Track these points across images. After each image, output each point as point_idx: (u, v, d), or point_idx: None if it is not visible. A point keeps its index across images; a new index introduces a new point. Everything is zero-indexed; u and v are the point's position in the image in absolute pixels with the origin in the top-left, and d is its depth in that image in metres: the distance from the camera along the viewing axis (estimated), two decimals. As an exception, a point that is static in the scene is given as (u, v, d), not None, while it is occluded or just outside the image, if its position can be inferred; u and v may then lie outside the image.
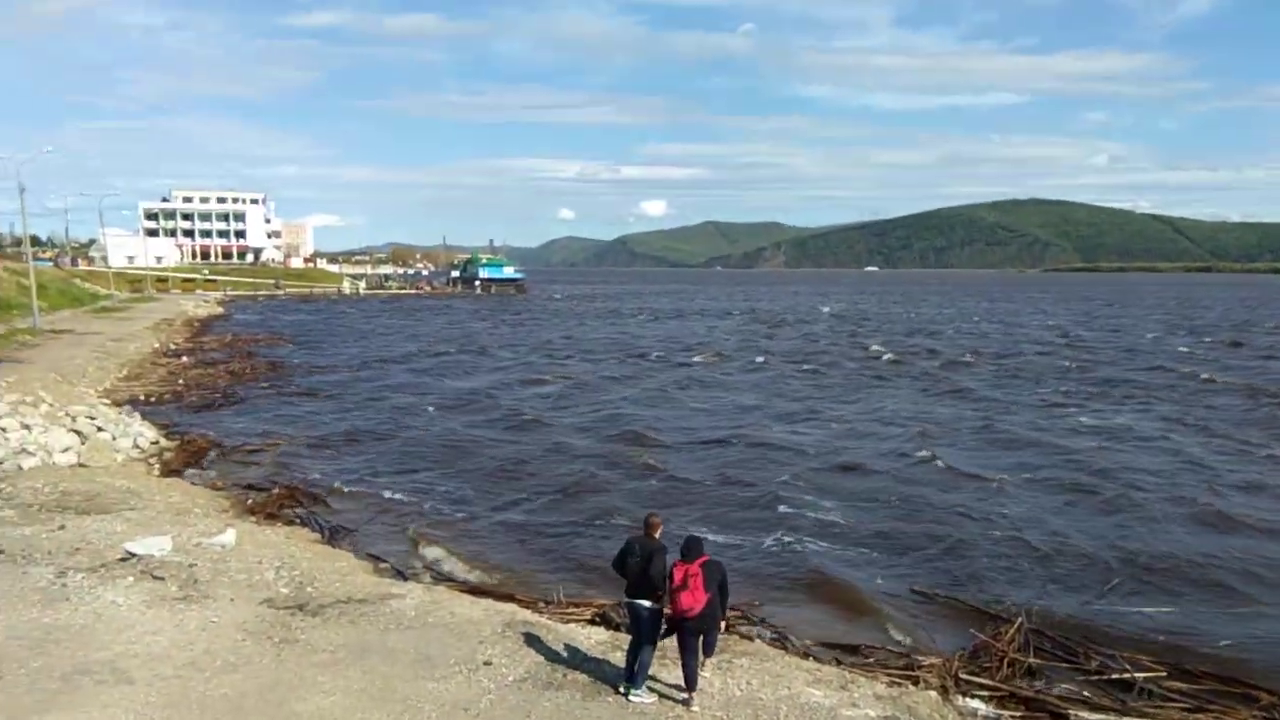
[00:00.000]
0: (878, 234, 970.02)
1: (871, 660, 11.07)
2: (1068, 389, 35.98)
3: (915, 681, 10.11)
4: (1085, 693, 10.22)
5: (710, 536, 15.27)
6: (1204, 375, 39.86)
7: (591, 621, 11.70)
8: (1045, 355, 49.87)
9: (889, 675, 10.31)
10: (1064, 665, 11.00)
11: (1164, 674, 10.69)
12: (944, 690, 9.93)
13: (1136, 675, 10.57)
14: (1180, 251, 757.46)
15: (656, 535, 8.78)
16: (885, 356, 48.44)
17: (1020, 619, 11.97)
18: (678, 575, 8.34)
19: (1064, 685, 10.41)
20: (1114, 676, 10.63)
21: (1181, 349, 53.66)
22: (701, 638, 8.69)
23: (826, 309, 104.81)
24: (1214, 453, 23.82)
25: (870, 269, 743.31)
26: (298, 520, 16.63)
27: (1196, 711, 9.95)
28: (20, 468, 18.01)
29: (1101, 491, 19.67)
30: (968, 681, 10.23)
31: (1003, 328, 73.71)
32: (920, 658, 11.04)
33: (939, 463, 22.39)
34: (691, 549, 8.53)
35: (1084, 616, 12.76)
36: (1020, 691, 10.11)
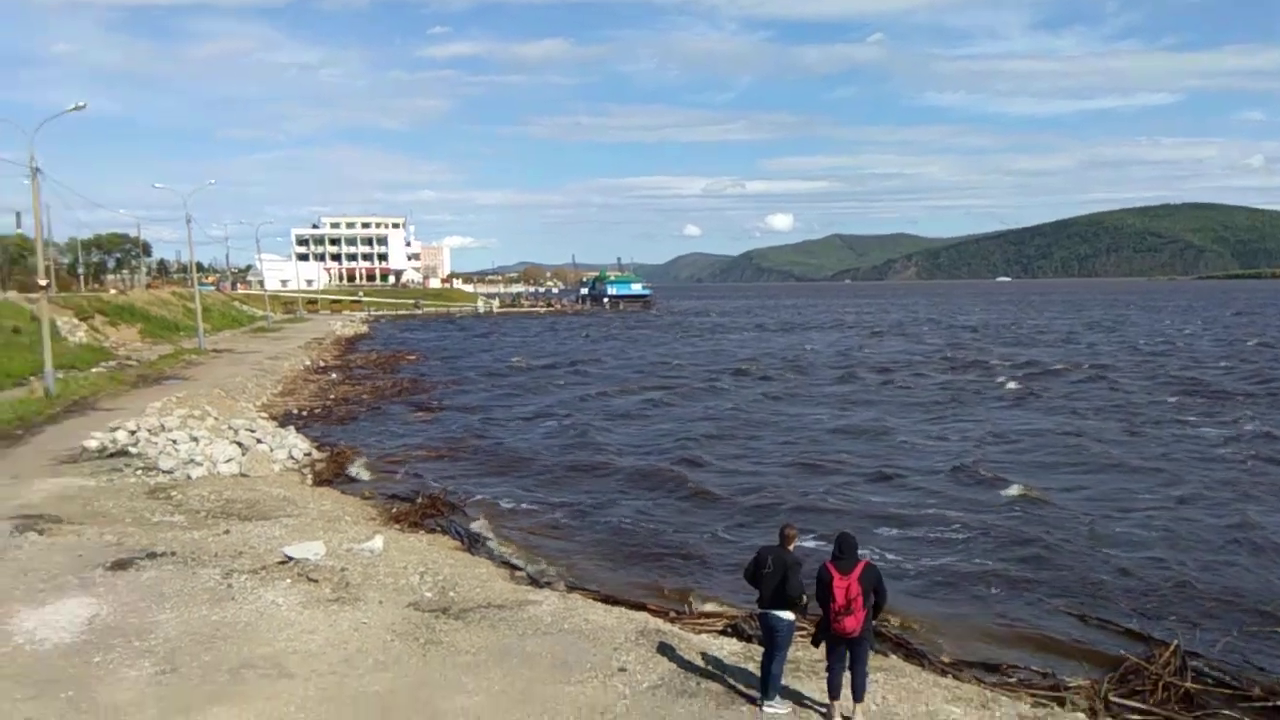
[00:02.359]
0: (1014, 243, 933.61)
1: (1014, 680, 10.70)
2: (1194, 401, 33.84)
3: (1061, 703, 9.74)
4: (1247, 720, 9.63)
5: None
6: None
7: (723, 632, 11.73)
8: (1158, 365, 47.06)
9: (1033, 695, 9.96)
10: (1225, 691, 10.36)
11: (1338, 704, 9.96)
12: (1093, 712, 9.54)
13: (1307, 704, 9.88)
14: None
15: (791, 547, 8.72)
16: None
17: (1176, 641, 11.35)
18: (839, 595, 8.04)
19: (1225, 712, 9.82)
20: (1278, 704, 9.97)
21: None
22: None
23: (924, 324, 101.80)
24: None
25: (1002, 279, 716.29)
26: (439, 529, 17.29)
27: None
28: (189, 477, 19.35)
29: (1249, 520, 18.38)
30: (1118, 705, 9.80)
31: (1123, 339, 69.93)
32: (1066, 679, 10.62)
33: (1072, 482, 21.55)
34: (846, 551, 8.28)
35: (1241, 646, 11.97)
36: (1176, 716, 9.61)
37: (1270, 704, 10.00)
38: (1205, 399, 34.95)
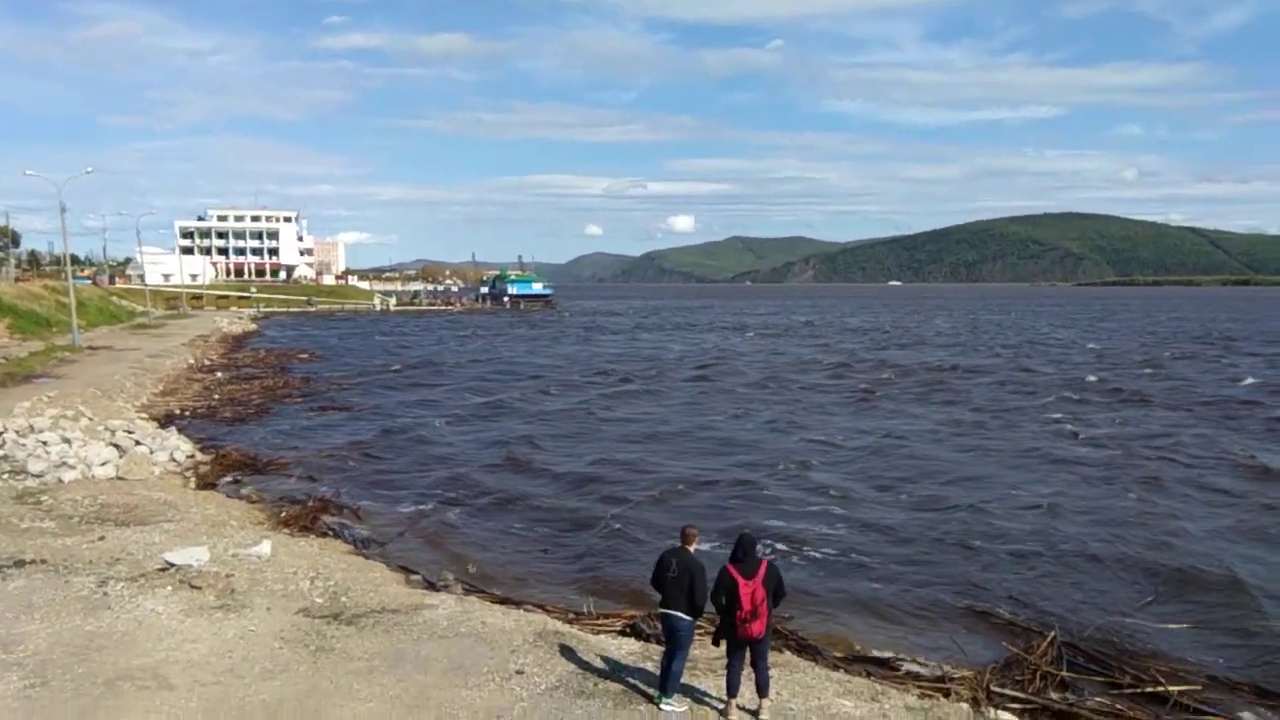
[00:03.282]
0: (907, 248, 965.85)
1: (902, 672, 11.03)
2: (1082, 399, 35.74)
3: (946, 694, 10.06)
4: (1119, 706, 10.12)
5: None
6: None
7: (622, 632, 11.75)
8: (1052, 366, 49.48)
9: (920, 687, 10.28)
10: (1098, 679, 10.90)
11: (1199, 687, 10.59)
12: (975, 703, 9.86)
13: (1171, 689, 10.47)
14: (1216, 264, 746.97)
15: (692, 548, 8.77)
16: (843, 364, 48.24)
17: (1053, 633, 11.89)
18: (745, 601, 8.09)
19: (1097, 699, 10.32)
20: (1148, 690, 10.53)
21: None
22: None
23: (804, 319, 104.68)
24: (1240, 465, 23.51)
25: (893, 283, 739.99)
26: (331, 532, 16.84)
27: (1233, 726, 9.84)
28: (61, 480, 18.38)
29: (1127, 503, 19.51)
30: (1000, 694, 10.17)
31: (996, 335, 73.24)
32: (951, 670, 10.99)
33: (960, 474, 22.40)
34: (749, 553, 8.32)
35: (1117, 631, 12.65)
36: (1053, 705, 10.05)
37: (1138, 689, 10.56)
38: (1063, 398, 36.88)
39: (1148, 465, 23.37)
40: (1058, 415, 32.39)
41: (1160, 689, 10.51)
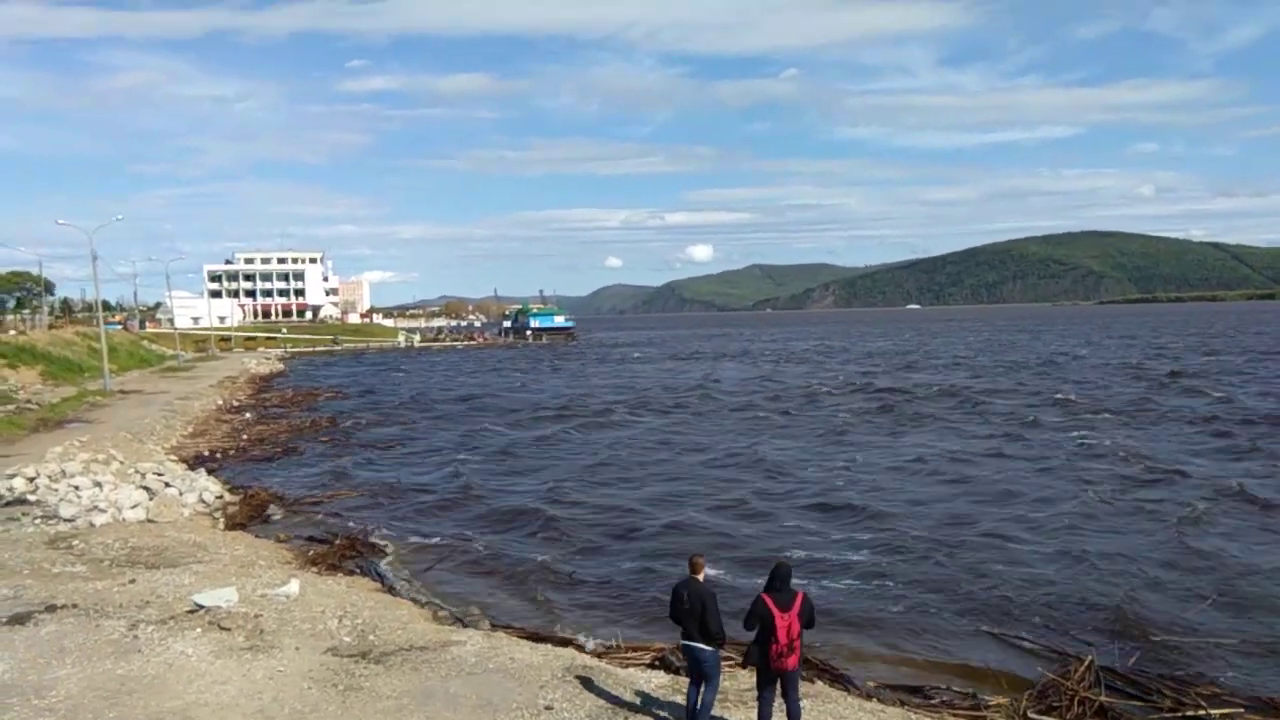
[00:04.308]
0: (926, 271, 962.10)
1: (936, 701, 10.87)
2: (1098, 417, 35.28)
3: (982, 722, 9.92)
4: (1160, 731, 9.92)
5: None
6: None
7: (651, 665, 11.66)
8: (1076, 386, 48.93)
9: (955, 715, 10.13)
10: (1137, 703, 10.70)
11: (1241, 709, 10.35)
12: (1012, 730, 9.72)
13: (1213, 712, 10.25)
14: (1240, 279, 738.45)
15: (700, 576, 8.68)
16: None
17: (1090, 656, 11.68)
18: (782, 635, 7.98)
19: (1137, 724, 10.12)
20: (1189, 714, 10.31)
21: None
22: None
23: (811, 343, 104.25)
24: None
25: (912, 307, 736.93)
26: (358, 570, 16.86)
27: (1279, 749, 9.61)
28: (92, 524, 18.54)
29: (1162, 526, 19.19)
30: (1037, 721, 10.01)
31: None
32: (987, 698, 10.82)
33: (981, 495, 22.34)
34: (784, 583, 8.20)
35: (1156, 654, 12.40)
36: (1092, 731, 9.86)
37: (1179, 713, 10.34)
38: (1084, 419, 36.43)
39: (1176, 483, 23.00)
40: (1079, 434, 31.96)
41: (1202, 712, 10.29)
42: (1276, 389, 45.17)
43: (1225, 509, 20.48)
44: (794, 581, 8.50)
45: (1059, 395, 45.03)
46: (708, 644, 8.50)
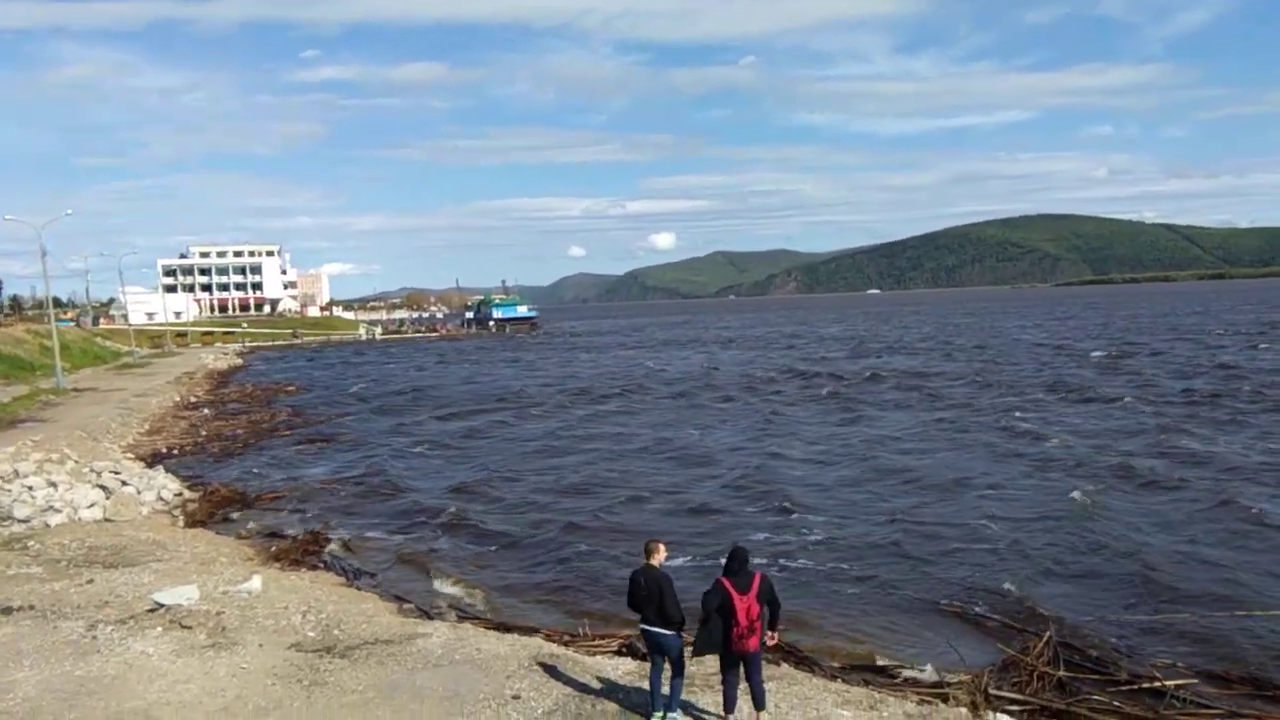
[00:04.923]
0: (887, 256, 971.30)
1: (900, 679, 11.02)
2: (1049, 397, 35.96)
3: (945, 699, 10.05)
4: (1116, 703, 10.14)
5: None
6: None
7: (618, 652, 11.70)
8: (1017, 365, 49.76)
9: (918, 694, 10.26)
10: (1094, 677, 10.91)
11: (1195, 681, 10.61)
12: (974, 706, 9.85)
13: (1168, 684, 10.49)
14: (1192, 260, 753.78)
15: (655, 562, 8.66)
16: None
17: (1049, 633, 11.89)
18: (742, 617, 8.01)
19: (1095, 697, 10.32)
20: (1145, 686, 10.55)
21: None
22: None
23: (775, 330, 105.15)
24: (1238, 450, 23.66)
25: (872, 291, 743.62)
26: (321, 565, 16.73)
27: (1231, 717, 9.86)
28: (48, 525, 18.22)
29: (1116, 499, 19.61)
30: (998, 697, 10.16)
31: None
32: (949, 675, 10.98)
33: (935, 478, 22.66)
34: (741, 565, 8.23)
35: (1112, 629, 12.67)
36: (1051, 705, 10.06)
37: (1135, 685, 10.58)
38: (1020, 395, 37.20)
39: (1125, 461, 23.48)
40: (1027, 414, 32.52)
41: (1157, 684, 10.53)
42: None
43: (1188, 482, 20.93)
44: (756, 566, 8.56)
45: (1002, 377, 45.78)
46: (666, 629, 8.55)
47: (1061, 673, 10.85)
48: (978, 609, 13.64)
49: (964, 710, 9.63)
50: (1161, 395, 36.60)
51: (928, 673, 11.23)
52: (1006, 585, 14.59)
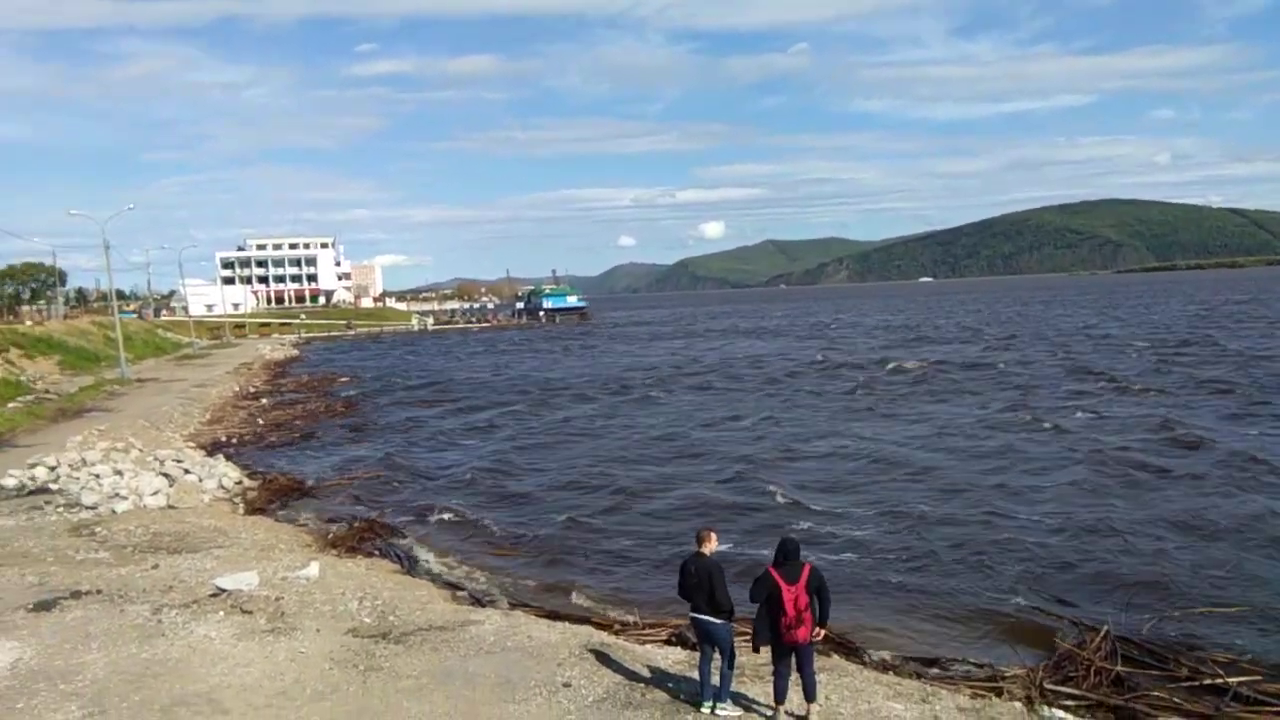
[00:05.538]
0: (942, 243, 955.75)
1: (952, 673, 10.91)
2: (1101, 391, 35.08)
3: (999, 693, 9.93)
4: (1176, 699, 9.91)
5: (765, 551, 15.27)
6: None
7: (668, 641, 11.76)
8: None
9: (971, 687, 10.16)
10: (1153, 673, 10.69)
11: (1259, 677, 10.34)
12: (1029, 701, 9.73)
13: (1230, 680, 10.23)
14: (1260, 245, 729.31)
15: (707, 550, 8.72)
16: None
17: (1106, 627, 11.67)
18: (789, 608, 8.04)
19: (1154, 693, 10.10)
20: (1206, 682, 10.31)
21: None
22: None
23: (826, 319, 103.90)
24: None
25: (924, 279, 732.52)
26: (377, 552, 17.02)
27: (1297, 716, 9.60)
28: (114, 511, 18.76)
29: (1171, 497, 19.11)
30: (1053, 691, 10.02)
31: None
32: (1003, 669, 10.85)
33: (982, 469, 22.39)
34: (790, 556, 8.25)
35: (1172, 624, 12.40)
36: (1108, 700, 9.88)
37: (1196, 682, 10.34)
38: (1082, 391, 36.27)
39: (1184, 455, 22.88)
40: (1078, 406, 31.75)
41: (1219, 680, 10.28)
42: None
43: (1238, 476, 20.38)
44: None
45: (1063, 365, 44.81)
46: (716, 617, 8.57)
47: (1119, 668, 10.63)
48: (1030, 604, 13.41)
49: (1018, 704, 9.51)
50: (1222, 388, 35.49)
51: (981, 666, 11.10)
52: (1059, 580, 14.36)
